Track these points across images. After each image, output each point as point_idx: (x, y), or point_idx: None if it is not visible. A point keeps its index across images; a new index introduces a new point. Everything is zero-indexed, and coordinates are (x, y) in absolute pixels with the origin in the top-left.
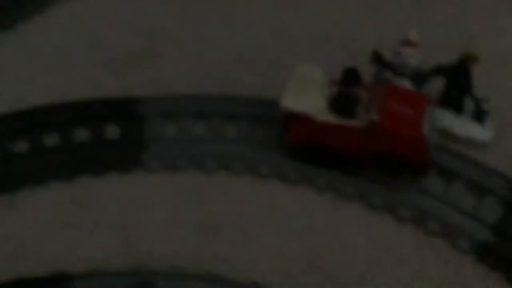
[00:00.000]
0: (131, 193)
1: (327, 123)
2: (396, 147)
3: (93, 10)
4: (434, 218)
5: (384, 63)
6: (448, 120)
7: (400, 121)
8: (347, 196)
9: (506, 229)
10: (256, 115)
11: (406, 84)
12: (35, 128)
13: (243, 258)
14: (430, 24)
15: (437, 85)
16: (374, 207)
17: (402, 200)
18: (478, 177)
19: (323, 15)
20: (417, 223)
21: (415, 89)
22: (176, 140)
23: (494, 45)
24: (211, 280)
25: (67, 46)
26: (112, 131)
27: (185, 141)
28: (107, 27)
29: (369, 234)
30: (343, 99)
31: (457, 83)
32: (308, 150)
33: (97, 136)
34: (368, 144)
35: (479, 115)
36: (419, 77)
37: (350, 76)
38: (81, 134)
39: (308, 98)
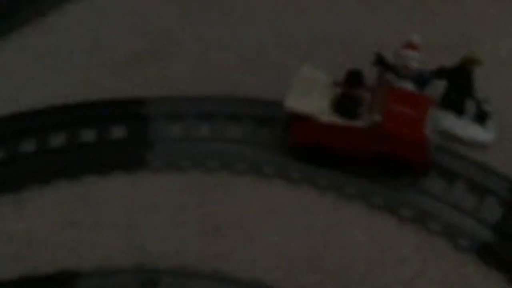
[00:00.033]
0: (135, 193)
1: (330, 124)
2: (398, 147)
3: (97, 12)
4: (435, 218)
5: (387, 65)
6: (450, 121)
7: (402, 122)
8: (348, 196)
9: (507, 229)
10: (258, 116)
11: (408, 86)
12: (41, 128)
13: (245, 257)
14: (431, 26)
15: (439, 87)
16: (376, 207)
17: (404, 200)
18: (479, 177)
19: (324, 17)
20: (418, 223)
21: (417, 91)
22: (180, 140)
23: (494, 47)
24: (214, 278)
25: (71, 47)
26: (117, 132)
27: (189, 141)
28: (111, 28)
29: (370, 233)
30: (346, 101)
31: (458, 85)
32: (311, 151)
33: (102, 136)
34: (370, 144)
35: (480, 117)
36: (421, 79)
37: (354, 78)
38: (87, 135)
39: (311, 99)
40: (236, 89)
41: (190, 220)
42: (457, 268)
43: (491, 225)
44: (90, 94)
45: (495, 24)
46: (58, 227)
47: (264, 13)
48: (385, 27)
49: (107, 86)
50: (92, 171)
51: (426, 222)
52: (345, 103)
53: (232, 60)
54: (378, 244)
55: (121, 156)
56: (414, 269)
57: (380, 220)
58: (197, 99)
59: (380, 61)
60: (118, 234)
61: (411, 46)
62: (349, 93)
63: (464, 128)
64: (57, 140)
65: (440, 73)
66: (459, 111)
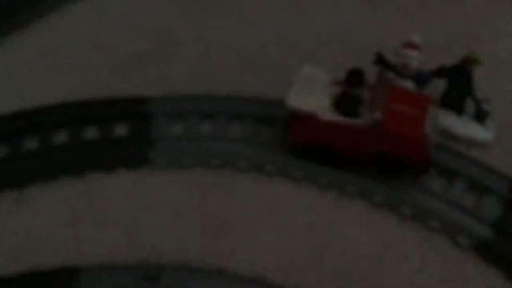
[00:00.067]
0: (138, 190)
1: (331, 122)
2: (398, 146)
3: (98, 12)
4: (435, 216)
5: (387, 64)
6: (449, 120)
7: (402, 121)
8: (349, 194)
9: (506, 227)
10: (260, 115)
11: (409, 85)
12: (43, 126)
13: (246, 254)
14: (431, 26)
15: (438, 86)
16: (376, 205)
17: (404, 198)
18: (479, 176)
19: (325, 17)
20: (418, 221)
21: (417, 90)
22: (182, 138)
23: (494, 47)
24: (215, 274)
25: (72, 47)
26: (120, 130)
27: (191, 139)
28: (112, 28)
29: (371, 231)
30: (347, 99)
31: (458, 84)
32: (312, 149)
33: (105, 135)
34: (371, 143)
35: (480, 116)
36: (421, 79)
37: (354, 77)
38: (89, 133)
39: (312, 98)
40: (236, 89)
41: (191, 217)
42: (457, 265)
43: (490, 223)
44: (91, 94)
45: (495, 23)
46: (60, 224)
47: (265, 13)
48: (385, 27)
49: (108, 85)
50: (95, 169)
51: (426, 220)
52: (345, 102)
53: (233, 60)
54: (379, 242)
55: (123, 154)
56: (414, 267)
57: (380, 218)
58: (198, 98)
59: (381, 61)
60: (120, 231)
61: (411, 45)
62: (349, 92)
63: (464, 127)
64: (60, 138)
65: (440, 72)
66: (459, 110)
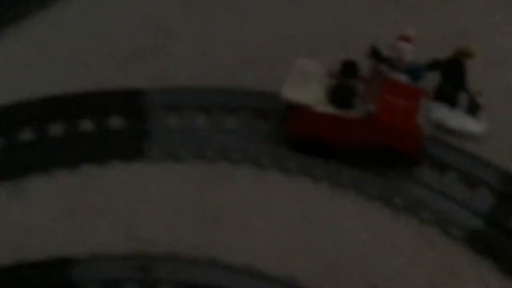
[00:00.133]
0: (133, 182)
1: (325, 114)
2: (391, 138)
3: (99, 6)
4: (427, 208)
5: (381, 57)
6: (443, 113)
7: (396, 113)
8: (343, 186)
9: (498, 219)
10: (255, 107)
11: (402, 78)
12: (40, 118)
13: (240, 245)
14: (427, 21)
15: (432, 79)
16: (370, 196)
17: (397, 190)
18: (471, 168)
19: (322, 12)
20: (411, 212)
21: (411, 83)
22: (178, 131)
23: (489, 42)
24: (208, 264)
25: (73, 41)
26: (116, 122)
27: (187, 132)
28: (112, 23)
29: (364, 223)
30: (341, 91)
31: (451, 77)
32: (307, 141)
33: (101, 127)
34: (364, 135)
35: (473, 109)
36: (415, 72)
37: (348, 69)
38: (85, 125)
39: (307, 90)
40: (234, 84)
41: (186, 209)
42: (449, 256)
43: (482, 215)
44: (89, 88)
45: (490, 19)
46: (55, 216)
47: (263, 8)
48: (382, 23)
49: (106, 79)
50: (90, 161)
51: (419, 212)
52: (340, 94)
53: (231, 55)
54: (371, 233)
55: (118, 147)
56: (406, 258)
57: (373, 209)
58: (194, 91)
59: (375, 53)
60: (115, 223)
61: (405, 38)
62: (344, 83)
63: (457, 119)
64: (55, 130)
65: (433, 65)
66: (452, 103)
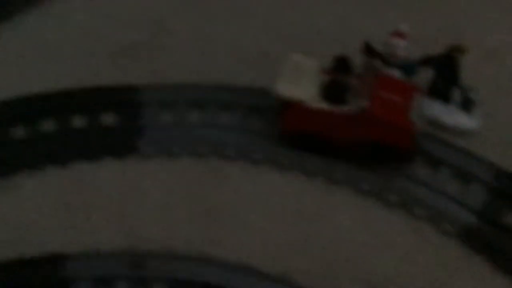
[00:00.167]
0: (126, 178)
1: (319, 110)
2: (384, 133)
3: (92, 1)
4: (420, 204)
5: (375, 53)
6: (436, 109)
7: (388, 108)
8: (336, 182)
9: (491, 214)
10: (249, 104)
11: (396, 74)
12: (32, 114)
13: (234, 241)
14: (421, 17)
15: (425, 75)
16: (363, 192)
17: (390, 186)
18: (464, 164)
19: (317, 9)
20: (404, 208)
21: (404, 79)
22: (171, 127)
23: (482, 38)
24: (201, 261)
25: (66, 37)
26: (109, 118)
27: (180, 128)
28: (106, 18)
29: (358, 218)
30: (334, 87)
31: (445, 73)
32: (301, 137)
33: (94, 123)
34: (358, 130)
35: (466, 105)
36: (408, 68)
37: (342, 64)
38: (78, 121)
39: (300, 86)
40: (229, 80)
41: (179, 205)
42: (441, 252)
43: (475, 211)
44: (82, 84)
45: (483, 15)
46: (48, 213)
47: (257, 5)
48: (377, 19)
49: (100, 75)
50: (83, 158)
51: (412, 207)
52: (333, 89)
53: (225, 51)
54: (365, 229)
55: (112, 143)
56: (400, 253)
57: (367, 205)
58: (187, 87)
59: (368, 49)
60: (108, 220)
61: (399, 34)
62: (337, 79)
63: (450, 115)
64: (48, 126)
65: (427, 61)
66: (446, 99)
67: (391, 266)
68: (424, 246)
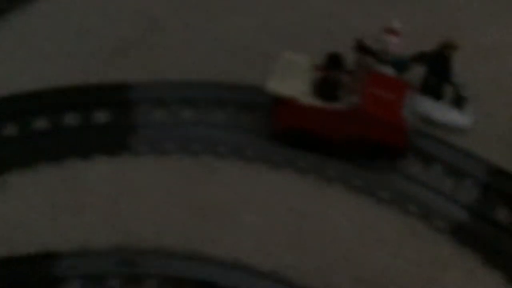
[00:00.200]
0: (119, 176)
1: (311, 107)
2: (375, 129)
3: (85, 0)
4: (412, 200)
5: (367, 50)
6: (428, 106)
7: (380, 105)
8: (328, 179)
9: (482, 210)
10: (242, 101)
11: (388, 70)
12: (25, 112)
13: (226, 238)
14: (413, 13)
15: (418, 72)
16: (355, 189)
17: (382, 182)
18: (456, 160)
19: (309, 5)
20: (396, 205)
21: (396, 76)
22: (164, 124)
23: (475, 35)
24: (193, 258)
25: (59, 34)
26: (101, 116)
27: (172, 125)
28: (99, 15)
29: (350, 215)
30: (326, 84)
31: (437, 70)
32: (294, 134)
33: (87, 121)
34: (350, 127)
35: (458, 101)
36: (401, 64)
37: (333, 61)
38: (70, 119)
39: (293, 83)
40: (221, 76)
41: (172, 202)
42: (433, 248)
43: (467, 207)
44: (75, 81)
45: (476, 12)
46: (40, 210)
47: (250, 3)
48: (369, 16)
49: (93, 72)
50: (76, 155)
51: (404, 204)
52: (325, 86)
53: (217, 47)
54: (357, 225)
55: (104, 140)
56: (392, 249)
57: (359, 202)
58: (180, 85)
59: (360, 47)
60: (100, 217)
61: (391, 31)
62: (329, 76)
63: (442, 112)
64: (40, 124)
65: (419, 58)
66: (438, 95)
67: (383, 262)
68: (416, 242)
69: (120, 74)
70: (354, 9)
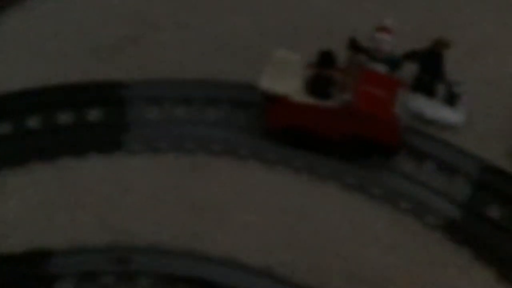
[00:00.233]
0: (112, 174)
1: (303, 104)
2: (368, 126)
3: None
4: (405, 197)
5: (360, 48)
6: (421, 103)
7: (372, 102)
8: (322, 176)
9: (474, 207)
10: (235, 99)
11: (381, 68)
12: (18, 110)
13: (220, 235)
14: (407, 12)
15: (410, 70)
16: (348, 186)
17: (375, 179)
18: (448, 157)
19: (303, 5)
20: (389, 202)
21: (389, 74)
22: (157, 122)
23: (466, 33)
24: (187, 255)
25: (54, 33)
26: (95, 114)
27: (166, 124)
28: (92, 14)
29: (343, 212)
30: (319, 81)
31: (429, 68)
32: (287, 132)
33: (80, 119)
34: (342, 124)
35: (451, 99)
36: (393, 62)
37: (326, 59)
38: (64, 117)
39: (285, 81)
40: (214, 74)
41: (165, 200)
42: (425, 244)
43: (459, 204)
44: (69, 79)
45: (467, 10)
46: (33, 208)
47: (243, 1)
48: (362, 14)
49: (88, 70)
50: (69, 153)
51: (396, 201)
52: (317, 84)
53: (210, 45)
54: (350, 222)
55: (98, 139)
56: (385, 246)
57: (352, 199)
58: (173, 83)
59: (353, 45)
60: (94, 215)
61: (384, 29)
62: (321, 73)
63: (435, 110)
64: (34, 122)
65: (411, 56)
66: (430, 93)
67: (375, 258)
68: (408, 239)
69: (115, 73)
70: (346, 7)
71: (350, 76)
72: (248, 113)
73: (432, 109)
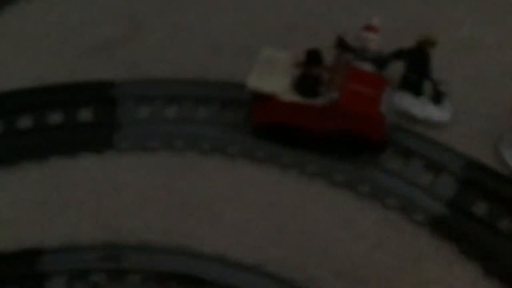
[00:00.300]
0: (103, 173)
1: (291, 103)
2: (355, 124)
3: None
4: (392, 194)
5: (347, 47)
6: (407, 102)
7: (359, 100)
8: (310, 174)
9: (460, 204)
10: (225, 98)
11: (368, 67)
12: (8, 110)
13: (209, 233)
14: (393, 11)
15: (397, 68)
16: (336, 183)
17: (362, 176)
18: (435, 155)
19: (291, 4)
20: (376, 199)
21: (376, 72)
22: (147, 122)
23: (453, 31)
24: (177, 253)
25: (43, 32)
26: (85, 114)
27: (156, 123)
28: (81, 13)
29: (331, 210)
30: (306, 80)
31: (416, 66)
32: (274, 130)
33: (70, 118)
34: (330, 122)
35: (437, 97)
36: (380, 61)
37: (313, 57)
38: (55, 117)
39: (273, 79)
40: (204, 73)
41: (155, 199)
42: (412, 241)
43: (446, 201)
44: (58, 79)
45: (455, 8)
46: (24, 208)
47: (232, 0)
48: (350, 13)
49: (75, 71)
50: (60, 153)
51: (384, 198)
52: (304, 82)
53: (200, 44)
54: (338, 220)
55: (88, 138)
56: (372, 243)
57: (340, 196)
58: (163, 82)
59: (341, 43)
60: (84, 213)
61: (370, 28)
62: (309, 72)
63: (421, 108)
64: (25, 122)
65: (398, 54)
66: (417, 91)
67: (363, 255)
68: (395, 236)
69: (104, 73)
70: (333, 6)
71: (338, 74)
72: (237, 112)
73: (419, 107)
